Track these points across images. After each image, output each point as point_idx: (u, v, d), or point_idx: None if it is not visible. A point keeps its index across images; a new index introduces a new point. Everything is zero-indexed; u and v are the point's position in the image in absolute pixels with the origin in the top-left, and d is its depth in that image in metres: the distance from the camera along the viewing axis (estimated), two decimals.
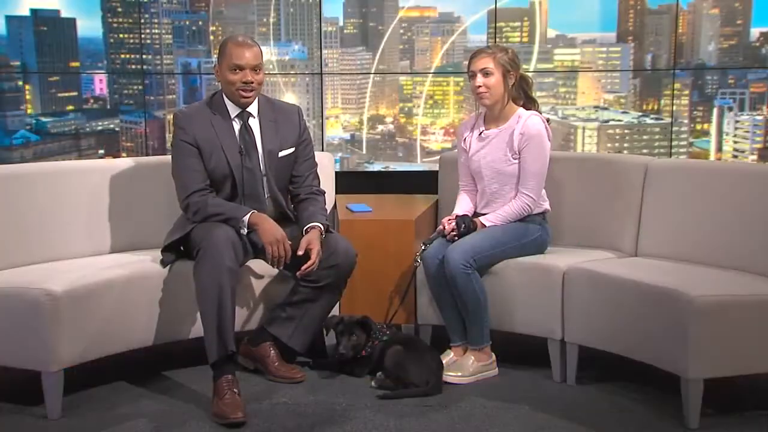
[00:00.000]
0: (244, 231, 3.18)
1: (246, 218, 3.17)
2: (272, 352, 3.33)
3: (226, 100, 3.32)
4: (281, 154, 3.36)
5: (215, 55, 5.18)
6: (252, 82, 3.25)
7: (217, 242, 3.05)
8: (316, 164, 3.50)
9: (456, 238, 3.33)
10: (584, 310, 3.19)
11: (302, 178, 3.43)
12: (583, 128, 5.19)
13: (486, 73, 3.37)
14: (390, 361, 3.20)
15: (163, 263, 3.26)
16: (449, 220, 3.39)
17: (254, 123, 3.34)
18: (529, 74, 3.62)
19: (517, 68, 3.42)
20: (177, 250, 3.31)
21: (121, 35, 5.15)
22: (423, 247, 3.39)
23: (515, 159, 3.40)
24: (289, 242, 3.16)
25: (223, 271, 3.01)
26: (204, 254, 3.05)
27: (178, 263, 3.27)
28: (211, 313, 3.00)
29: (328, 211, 3.53)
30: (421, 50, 5.16)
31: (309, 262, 3.16)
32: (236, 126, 3.31)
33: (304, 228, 3.27)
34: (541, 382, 3.29)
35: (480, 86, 3.38)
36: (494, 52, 3.40)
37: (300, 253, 3.17)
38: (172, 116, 3.39)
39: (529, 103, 3.48)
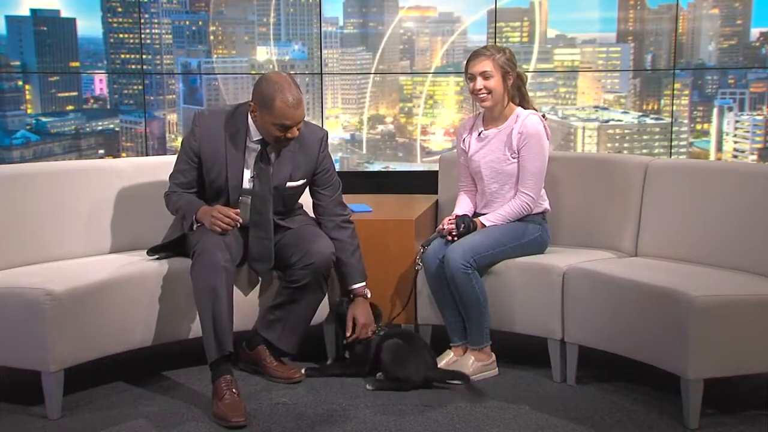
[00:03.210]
0: (195, 227, 3.19)
1: (195, 220, 3.20)
2: (267, 353, 3.34)
3: (250, 123, 3.22)
4: (289, 185, 3.31)
5: (215, 56, 5.22)
6: (296, 135, 3.18)
7: (212, 243, 3.06)
8: (340, 189, 3.43)
9: (456, 238, 3.32)
10: (584, 310, 3.19)
11: (323, 207, 3.41)
12: (583, 128, 5.19)
13: (486, 76, 3.36)
14: (388, 356, 3.19)
15: (158, 259, 3.28)
16: (449, 220, 3.39)
17: (273, 150, 3.27)
18: (523, 71, 3.57)
19: (514, 68, 3.41)
20: (168, 250, 3.32)
21: (121, 35, 5.15)
22: (422, 250, 3.39)
23: (514, 158, 3.40)
24: (235, 212, 3.12)
25: (218, 271, 3.01)
26: (199, 256, 3.06)
27: (178, 263, 3.27)
28: (207, 314, 3.00)
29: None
30: (421, 50, 5.17)
31: (353, 335, 3.31)
32: (253, 148, 3.25)
33: (348, 290, 3.35)
34: (541, 382, 3.29)
35: (481, 89, 3.37)
36: (492, 54, 3.38)
37: (348, 332, 3.31)
38: (194, 113, 3.33)
39: (523, 101, 3.47)
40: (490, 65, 3.35)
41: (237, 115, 3.26)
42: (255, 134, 3.24)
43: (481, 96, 3.39)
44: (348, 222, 3.42)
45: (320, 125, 5.02)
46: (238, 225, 3.14)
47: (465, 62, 3.47)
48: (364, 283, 3.37)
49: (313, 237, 3.29)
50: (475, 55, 3.41)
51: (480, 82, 3.37)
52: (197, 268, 3.06)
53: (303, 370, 3.34)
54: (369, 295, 3.37)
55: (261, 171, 3.25)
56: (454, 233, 3.33)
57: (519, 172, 3.40)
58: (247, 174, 3.26)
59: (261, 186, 3.25)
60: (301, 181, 3.34)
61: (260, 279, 3.38)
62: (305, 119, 3.23)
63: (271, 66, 5.09)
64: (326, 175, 3.40)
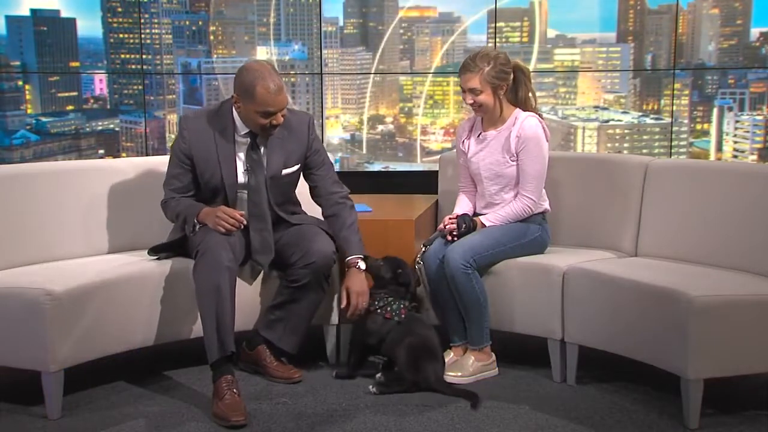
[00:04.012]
0: (197, 228, 3.18)
1: (196, 222, 3.19)
2: (268, 353, 3.34)
3: (235, 117, 3.25)
4: (284, 172, 3.32)
5: (215, 56, 5.22)
6: (281, 122, 3.20)
7: (215, 243, 3.06)
8: (333, 168, 3.46)
9: (456, 238, 3.32)
10: (584, 310, 3.19)
11: (319, 188, 3.42)
12: (583, 128, 5.19)
13: (475, 93, 3.34)
14: (403, 356, 3.16)
15: (158, 258, 3.29)
16: (450, 219, 3.38)
17: (262, 141, 3.29)
18: (525, 67, 3.50)
19: (507, 77, 3.36)
20: (170, 250, 3.33)
21: (121, 35, 5.15)
22: (423, 249, 3.39)
23: (513, 161, 3.39)
24: (240, 214, 3.14)
25: (221, 271, 3.02)
26: (202, 255, 3.06)
27: (179, 263, 3.27)
28: (210, 314, 3.00)
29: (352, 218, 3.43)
30: (421, 50, 5.17)
31: (351, 307, 3.24)
32: (242, 142, 3.27)
33: (346, 261, 3.30)
34: (541, 382, 3.29)
35: (471, 103, 3.37)
36: (481, 68, 3.31)
37: (343, 303, 3.26)
38: (179, 118, 3.34)
39: (519, 101, 3.44)
40: (477, 82, 3.32)
41: (222, 112, 3.28)
42: (242, 128, 3.25)
43: (473, 108, 3.40)
44: (346, 198, 3.42)
45: (320, 125, 5.05)
46: (242, 226, 3.15)
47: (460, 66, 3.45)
48: (359, 256, 3.31)
49: (314, 236, 3.30)
50: (463, 69, 3.36)
51: (470, 97, 3.36)
52: (200, 268, 3.06)
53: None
54: (363, 267, 3.31)
55: (253, 163, 3.27)
56: (455, 233, 3.33)
57: (519, 175, 3.39)
58: (240, 168, 3.28)
59: (256, 178, 3.27)
60: (296, 167, 3.35)
61: (261, 278, 3.38)
62: (289, 106, 3.24)
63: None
64: (317, 156, 3.41)
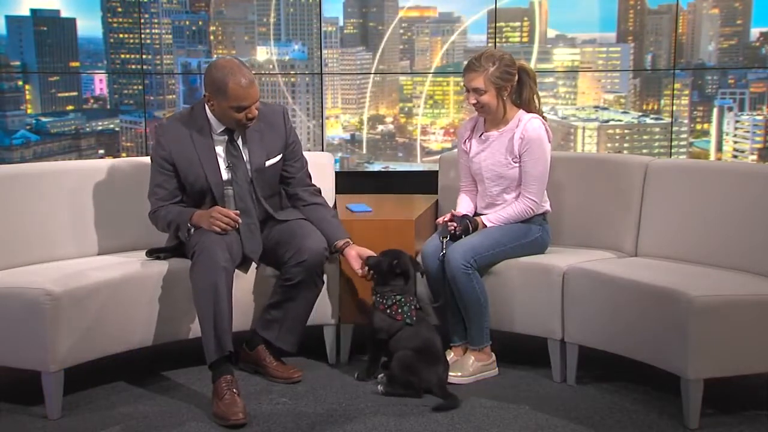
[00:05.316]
0: (191, 232, 3.18)
1: (190, 225, 3.20)
2: (268, 353, 3.34)
3: (210, 116, 3.26)
4: (268, 163, 3.35)
5: (215, 56, 5.21)
6: (256, 115, 3.22)
7: (211, 243, 3.07)
8: (306, 160, 3.51)
9: (458, 231, 3.31)
10: (584, 310, 3.20)
11: (296, 179, 3.45)
12: (583, 128, 5.19)
13: (479, 93, 3.34)
14: (398, 365, 3.15)
15: (157, 259, 3.30)
16: (450, 221, 3.36)
17: (239, 136, 3.30)
18: (530, 68, 3.49)
19: (511, 78, 3.36)
20: (168, 251, 3.35)
21: (121, 35, 5.15)
22: (446, 240, 3.33)
23: (516, 163, 3.39)
24: (235, 212, 3.18)
25: (218, 271, 3.02)
26: (199, 256, 3.07)
27: (178, 263, 3.27)
28: (207, 314, 3.01)
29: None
30: (421, 50, 5.16)
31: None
32: (220, 140, 3.28)
33: (336, 246, 3.33)
34: (541, 382, 3.29)
35: (475, 103, 3.37)
36: (485, 68, 3.32)
37: (360, 270, 3.29)
38: (154, 127, 3.36)
39: (523, 103, 3.44)
40: (481, 82, 3.32)
41: (195, 113, 3.30)
42: (218, 126, 3.27)
43: (476, 108, 3.39)
44: (319, 191, 3.50)
45: (320, 125, 5.04)
46: (237, 225, 3.16)
47: (464, 65, 3.45)
48: (348, 239, 3.36)
49: (306, 233, 3.31)
50: (468, 68, 3.37)
51: (473, 97, 3.35)
52: (197, 268, 3.06)
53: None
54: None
55: (234, 159, 3.29)
56: (458, 231, 3.32)
57: (521, 176, 3.39)
58: (222, 165, 3.29)
59: (239, 174, 3.28)
60: (278, 157, 3.38)
61: (255, 277, 3.38)
62: (261, 99, 3.25)
63: (271, 66, 5.09)
64: (295, 148, 3.45)
